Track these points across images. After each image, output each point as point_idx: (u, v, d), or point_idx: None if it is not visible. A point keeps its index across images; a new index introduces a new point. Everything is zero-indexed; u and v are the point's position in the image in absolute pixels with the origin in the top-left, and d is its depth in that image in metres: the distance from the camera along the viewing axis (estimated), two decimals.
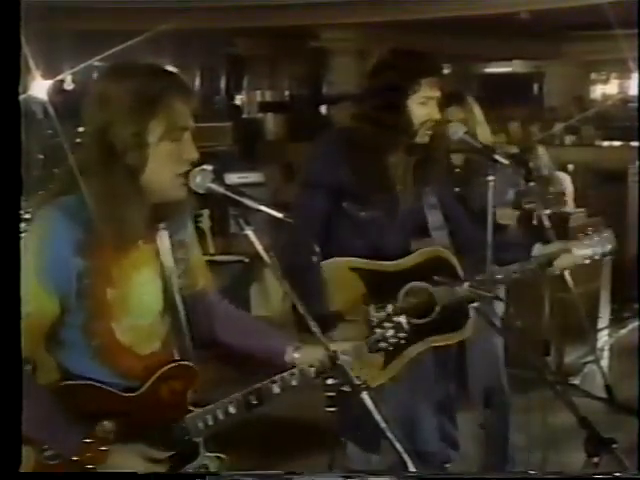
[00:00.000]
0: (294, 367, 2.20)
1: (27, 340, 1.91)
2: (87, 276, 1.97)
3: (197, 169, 2.02)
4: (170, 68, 2.09)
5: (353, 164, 2.94)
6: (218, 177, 2.04)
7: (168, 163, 2.01)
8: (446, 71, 13.52)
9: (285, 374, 2.18)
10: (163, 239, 2.14)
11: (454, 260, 3.01)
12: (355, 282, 2.98)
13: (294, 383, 2.19)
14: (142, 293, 2.07)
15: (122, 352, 2.07)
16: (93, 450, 1.98)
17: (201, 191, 2.03)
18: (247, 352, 2.32)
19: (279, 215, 1.99)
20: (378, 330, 2.33)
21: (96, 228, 1.96)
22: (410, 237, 3.05)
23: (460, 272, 3.01)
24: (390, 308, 2.39)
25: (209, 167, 2.04)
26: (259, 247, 1.98)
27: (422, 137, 2.94)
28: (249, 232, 1.98)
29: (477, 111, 3.85)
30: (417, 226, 3.07)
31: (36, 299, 1.94)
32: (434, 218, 3.07)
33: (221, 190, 2.03)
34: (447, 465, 3.44)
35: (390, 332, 2.33)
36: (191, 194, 2.07)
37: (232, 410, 2.14)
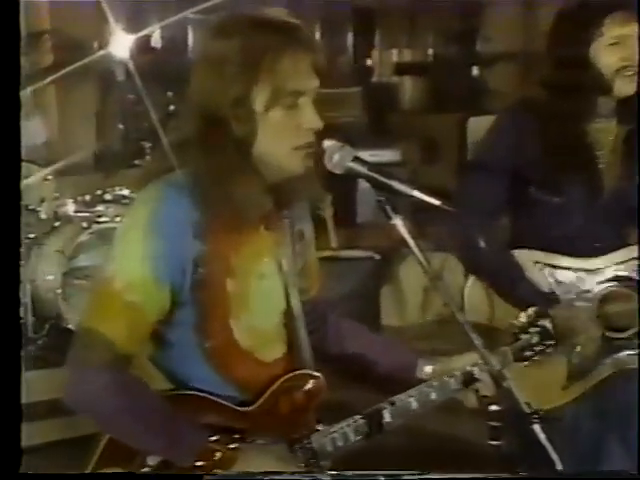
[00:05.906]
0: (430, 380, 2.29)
1: (128, 334, 1.91)
2: (204, 264, 1.95)
3: (335, 145, 2.00)
4: (281, 19, 2.11)
5: (542, 139, 2.92)
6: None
7: (282, 134, 2.05)
8: None
9: (422, 386, 2.27)
10: (285, 227, 2.22)
11: None
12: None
13: (433, 397, 2.26)
14: (263, 287, 2.10)
15: (241, 356, 2.13)
16: (222, 449, 2.03)
17: (338, 171, 2.06)
18: (369, 367, 2.39)
19: (436, 202, 1.96)
20: (523, 336, 2.41)
21: (212, 208, 2.00)
22: (617, 226, 2.98)
23: None
24: (533, 310, 2.45)
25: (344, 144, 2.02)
26: (410, 240, 1.99)
27: (623, 87, 2.84)
28: (398, 222, 1.98)
29: None
30: (625, 212, 2.96)
31: (144, 288, 1.92)
32: None
33: (364, 171, 2.00)
34: None
35: (535, 338, 2.41)
36: (313, 172, 2.11)
37: (365, 428, 2.18)
